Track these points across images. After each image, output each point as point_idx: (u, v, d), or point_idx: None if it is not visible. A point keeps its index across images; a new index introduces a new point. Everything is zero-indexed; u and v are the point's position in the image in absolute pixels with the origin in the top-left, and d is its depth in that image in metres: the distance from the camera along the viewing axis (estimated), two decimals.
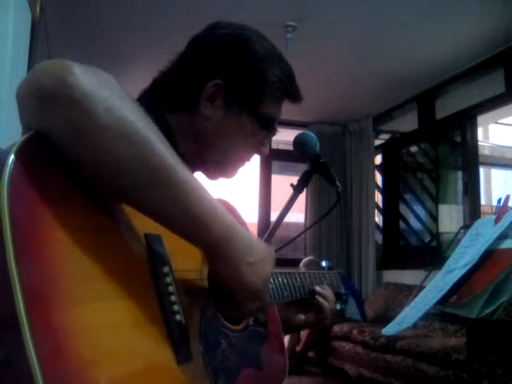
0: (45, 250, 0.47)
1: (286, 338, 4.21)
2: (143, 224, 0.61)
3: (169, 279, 0.63)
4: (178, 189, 0.57)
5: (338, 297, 1.17)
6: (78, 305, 0.48)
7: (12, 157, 0.47)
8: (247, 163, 0.92)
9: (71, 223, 0.51)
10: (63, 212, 0.51)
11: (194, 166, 0.87)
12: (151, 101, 0.85)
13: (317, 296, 1.03)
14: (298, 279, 1.02)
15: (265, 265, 0.69)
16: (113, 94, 0.54)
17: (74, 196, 0.54)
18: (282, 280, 0.97)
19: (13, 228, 0.44)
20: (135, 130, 0.55)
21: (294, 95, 0.90)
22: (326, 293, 1.04)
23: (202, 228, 0.60)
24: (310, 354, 4.42)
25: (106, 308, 0.51)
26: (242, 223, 0.95)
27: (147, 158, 0.55)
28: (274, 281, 0.94)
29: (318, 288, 1.04)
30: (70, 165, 0.54)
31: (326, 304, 1.02)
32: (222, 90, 0.82)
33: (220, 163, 0.88)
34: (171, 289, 0.62)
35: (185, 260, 0.70)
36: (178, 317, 0.61)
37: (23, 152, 0.49)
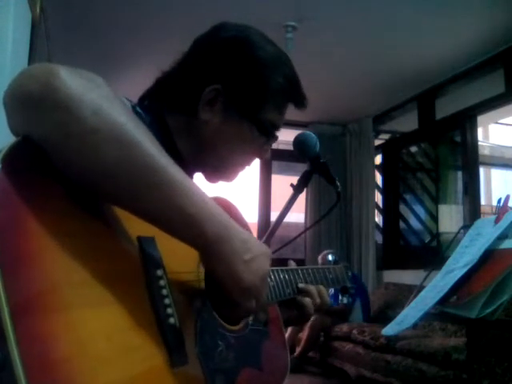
0: (32, 259, 0.46)
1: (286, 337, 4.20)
2: (136, 226, 0.60)
3: (162, 282, 0.62)
4: (169, 188, 0.56)
5: (345, 291, 1.16)
6: (68, 312, 0.47)
7: None
8: (247, 167, 0.91)
9: (60, 229, 0.51)
10: (52, 218, 0.50)
11: (193, 167, 0.87)
12: (153, 101, 0.84)
13: (300, 291, 1.00)
14: (301, 275, 1.01)
15: (261, 262, 0.67)
16: (100, 96, 0.53)
17: (64, 201, 0.53)
18: (284, 277, 0.96)
19: None
20: (124, 131, 0.53)
21: (298, 101, 0.88)
22: (307, 288, 1.01)
23: (196, 227, 0.59)
24: (311, 353, 4.42)
25: (97, 314, 0.51)
26: (243, 221, 0.94)
27: (137, 159, 0.54)
28: (275, 278, 0.93)
29: (300, 285, 1.01)
30: (58, 169, 0.53)
31: (306, 299, 0.99)
32: (221, 95, 0.80)
33: (219, 167, 0.87)
34: (165, 292, 0.61)
35: (180, 262, 0.68)
36: (171, 320, 0.60)
37: (9, 159, 0.48)
